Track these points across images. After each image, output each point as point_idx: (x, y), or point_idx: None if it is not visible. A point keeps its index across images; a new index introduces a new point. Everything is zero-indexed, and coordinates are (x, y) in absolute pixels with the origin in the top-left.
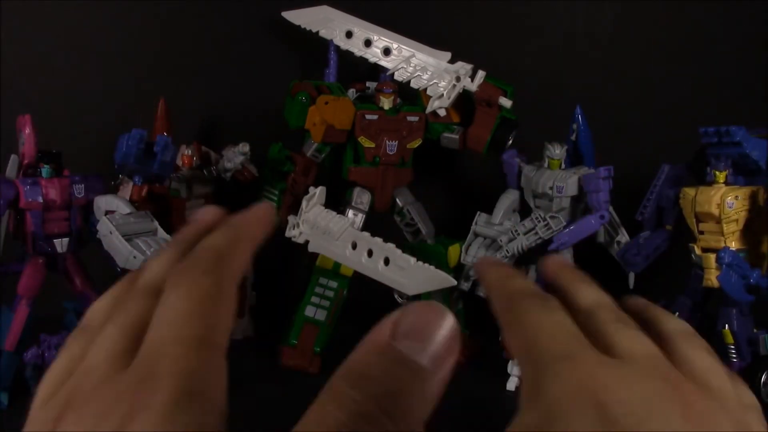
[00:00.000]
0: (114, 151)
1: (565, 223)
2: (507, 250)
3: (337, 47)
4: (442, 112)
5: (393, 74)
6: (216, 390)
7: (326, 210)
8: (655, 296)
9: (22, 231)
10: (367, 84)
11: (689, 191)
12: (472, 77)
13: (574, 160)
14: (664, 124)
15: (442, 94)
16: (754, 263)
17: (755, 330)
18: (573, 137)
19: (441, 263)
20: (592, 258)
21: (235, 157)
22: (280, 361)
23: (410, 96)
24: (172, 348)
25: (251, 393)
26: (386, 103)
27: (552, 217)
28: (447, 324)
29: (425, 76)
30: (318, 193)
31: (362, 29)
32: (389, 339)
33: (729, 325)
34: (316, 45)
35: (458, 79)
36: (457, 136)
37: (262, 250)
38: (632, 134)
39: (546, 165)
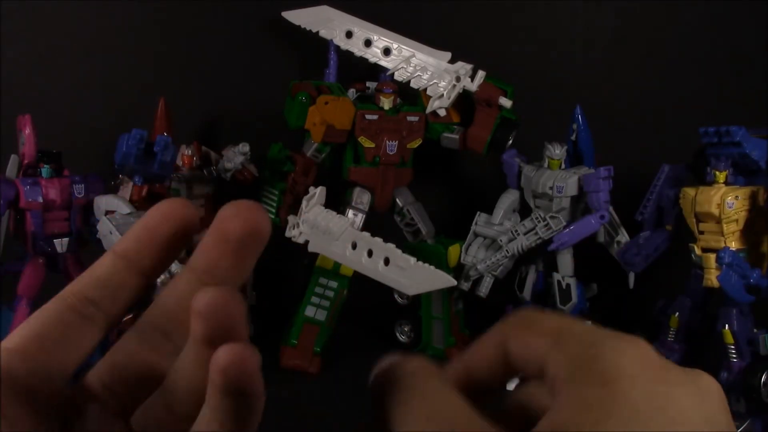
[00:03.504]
0: (114, 151)
1: (565, 223)
2: (507, 250)
3: (337, 47)
4: (442, 112)
5: (393, 74)
6: None
7: (326, 210)
8: (655, 296)
9: (22, 231)
10: (367, 84)
11: (689, 191)
12: (472, 77)
13: (574, 160)
14: (664, 124)
15: (442, 94)
16: (754, 263)
17: (755, 330)
18: (573, 137)
19: (441, 263)
20: (592, 258)
21: (235, 157)
22: (280, 361)
23: (410, 96)
24: None
25: None
26: (386, 103)
27: (552, 217)
28: None
29: (425, 76)
30: (318, 193)
31: (362, 29)
32: None
33: (729, 325)
34: (316, 45)
35: (458, 79)
36: (457, 136)
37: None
38: (632, 134)
39: (546, 165)
